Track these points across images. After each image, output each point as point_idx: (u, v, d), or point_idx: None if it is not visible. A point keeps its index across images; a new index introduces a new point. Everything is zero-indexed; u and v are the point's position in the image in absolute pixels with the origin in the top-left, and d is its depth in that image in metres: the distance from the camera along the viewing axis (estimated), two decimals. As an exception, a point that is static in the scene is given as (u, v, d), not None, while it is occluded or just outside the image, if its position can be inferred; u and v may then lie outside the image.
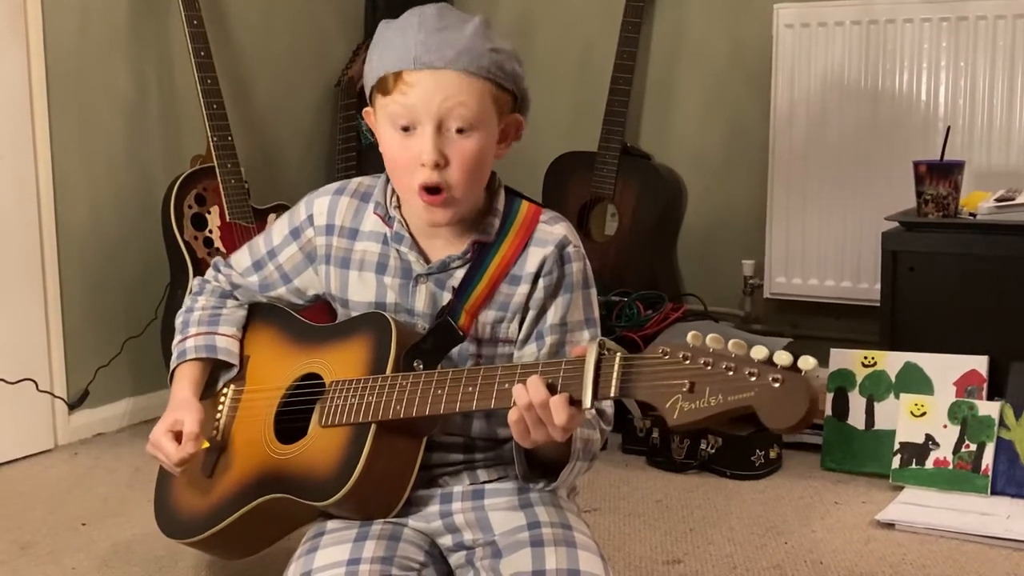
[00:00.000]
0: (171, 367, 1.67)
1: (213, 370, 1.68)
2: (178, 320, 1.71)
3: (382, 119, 1.45)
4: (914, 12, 2.97)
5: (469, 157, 1.42)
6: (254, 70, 3.33)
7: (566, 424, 1.29)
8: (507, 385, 1.33)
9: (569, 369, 1.29)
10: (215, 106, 2.88)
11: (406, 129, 1.42)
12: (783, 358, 1.13)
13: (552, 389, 1.29)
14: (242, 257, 1.68)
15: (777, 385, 1.12)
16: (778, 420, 1.13)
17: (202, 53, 2.88)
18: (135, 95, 3.00)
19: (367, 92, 1.49)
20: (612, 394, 1.24)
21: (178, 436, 1.57)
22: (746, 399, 1.14)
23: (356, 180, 1.59)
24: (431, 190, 1.42)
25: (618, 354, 1.24)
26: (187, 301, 1.72)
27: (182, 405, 1.60)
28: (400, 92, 1.40)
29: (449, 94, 1.39)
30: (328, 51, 3.55)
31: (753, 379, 1.14)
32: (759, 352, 1.15)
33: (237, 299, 1.71)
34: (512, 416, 1.32)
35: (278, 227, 1.63)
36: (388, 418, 1.42)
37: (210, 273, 1.73)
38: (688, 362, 1.18)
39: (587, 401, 1.25)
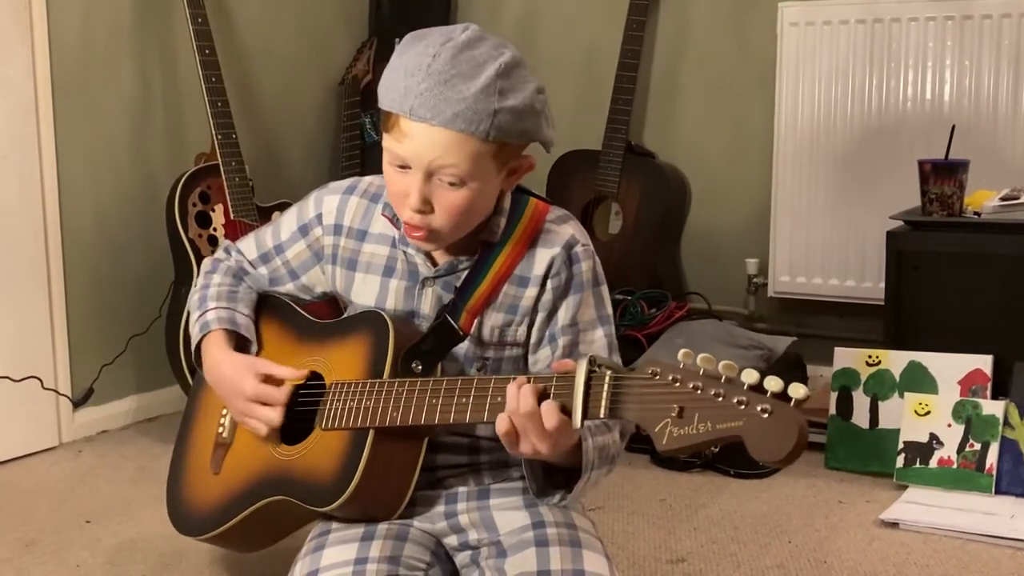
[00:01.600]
0: (194, 343, 1.62)
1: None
2: (193, 298, 1.66)
3: (383, 144, 1.43)
4: (919, 11, 2.97)
5: (455, 208, 1.39)
6: (258, 68, 3.33)
7: (555, 428, 1.27)
8: (500, 399, 1.32)
9: (560, 384, 1.28)
10: (219, 104, 2.88)
11: (401, 167, 1.40)
12: (773, 384, 1.11)
13: (544, 397, 1.28)
14: (249, 247, 1.67)
15: (766, 416, 1.10)
16: (765, 452, 1.11)
17: (206, 51, 2.88)
18: (139, 93, 3.00)
19: (380, 102, 1.44)
20: (602, 415, 1.22)
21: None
22: (734, 428, 1.12)
23: (367, 180, 1.58)
24: (412, 225, 1.42)
25: (608, 373, 1.23)
26: (200, 279, 1.68)
27: (245, 363, 1.55)
28: (395, 139, 1.38)
29: (439, 154, 1.36)
30: (332, 49, 3.55)
31: (742, 407, 1.12)
32: (750, 376, 1.13)
33: (248, 283, 1.69)
34: (500, 425, 1.30)
35: (286, 222, 1.62)
36: (385, 425, 1.42)
37: (221, 253, 1.70)
38: (678, 385, 1.17)
39: (577, 421, 1.24)
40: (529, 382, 1.30)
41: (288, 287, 1.64)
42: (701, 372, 1.16)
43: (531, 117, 1.39)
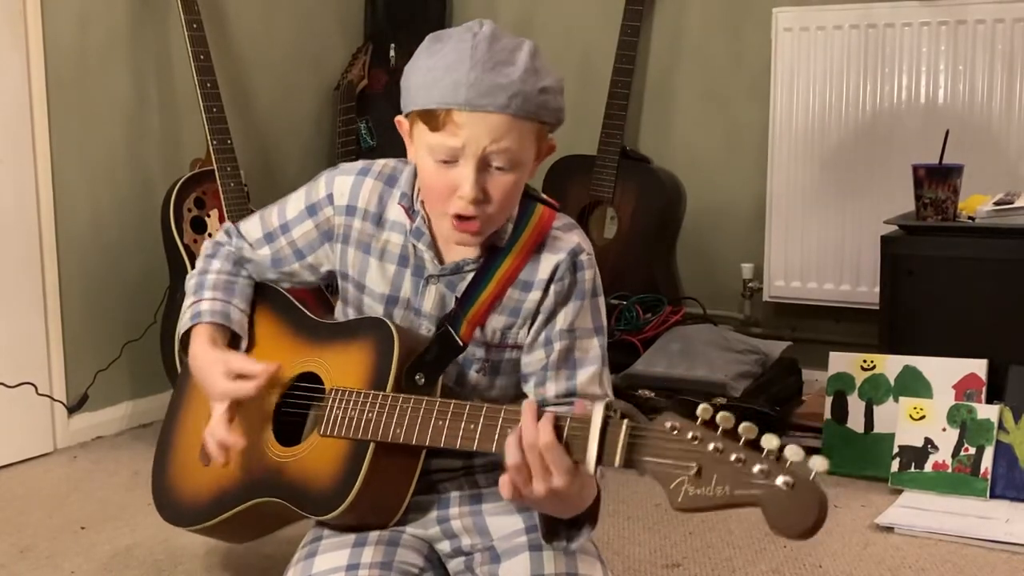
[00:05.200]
0: (183, 327, 1.62)
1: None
2: (190, 281, 1.66)
3: (421, 146, 1.43)
4: (913, 16, 2.98)
5: (507, 192, 1.42)
6: (254, 73, 3.33)
7: (568, 469, 1.24)
8: (509, 430, 1.29)
9: (575, 428, 1.24)
10: (214, 109, 2.88)
11: (447, 161, 1.40)
12: (794, 453, 1.09)
13: (560, 432, 1.25)
14: (253, 227, 1.65)
15: (787, 489, 1.08)
16: (784, 527, 1.09)
17: (202, 57, 2.88)
18: (135, 99, 3.00)
19: (404, 105, 1.44)
20: (616, 464, 1.19)
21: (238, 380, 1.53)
22: (753, 497, 1.10)
23: (382, 161, 1.56)
24: (465, 219, 1.41)
25: (625, 422, 1.20)
26: (200, 263, 1.67)
27: (220, 358, 1.55)
28: (449, 132, 1.38)
29: (496, 137, 1.38)
30: (327, 55, 3.56)
31: (763, 478, 1.10)
32: (770, 442, 1.10)
33: (248, 272, 1.67)
34: (512, 457, 1.25)
35: (293, 201, 1.60)
36: (387, 440, 1.41)
37: (222, 236, 1.68)
38: (697, 443, 1.14)
39: (590, 467, 1.22)
40: (540, 410, 1.27)
41: (293, 267, 1.62)
42: (720, 430, 1.14)
43: (561, 96, 1.44)
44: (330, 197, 1.56)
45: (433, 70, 1.39)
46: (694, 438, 1.15)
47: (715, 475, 1.12)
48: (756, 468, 1.10)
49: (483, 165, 1.39)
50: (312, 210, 1.57)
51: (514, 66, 1.38)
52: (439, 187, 1.41)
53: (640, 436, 1.19)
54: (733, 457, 1.12)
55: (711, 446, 1.13)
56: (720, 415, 1.14)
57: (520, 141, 1.39)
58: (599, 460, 1.21)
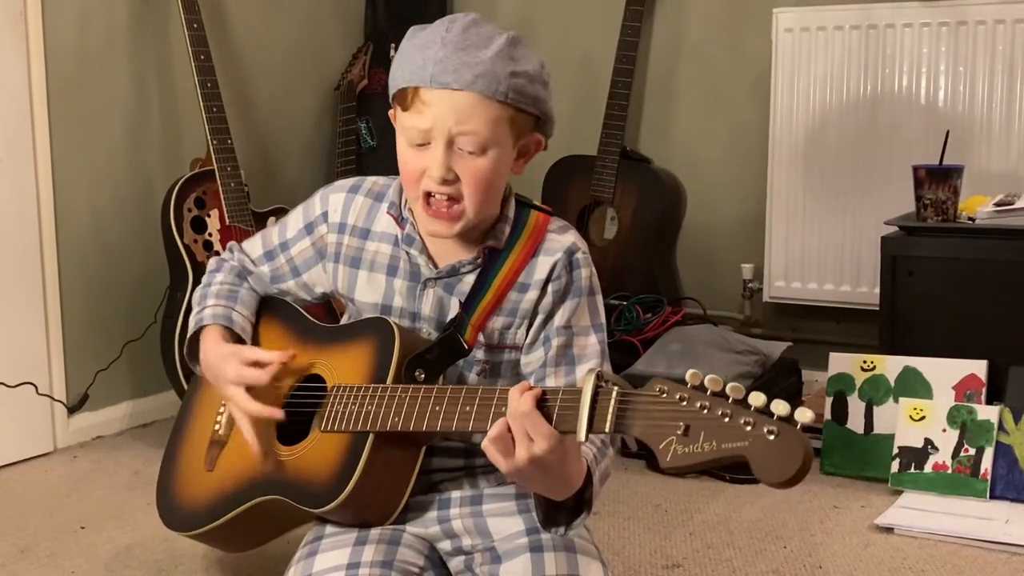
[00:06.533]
0: (188, 336, 1.64)
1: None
2: (196, 295, 1.68)
3: (399, 130, 1.46)
4: (913, 17, 2.98)
5: (480, 174, 1.42)
6: (254, 73, 3.33)
7: (547, 434, 1.26)
8: (504, 409, 1.31)
9: (567, 399, 1.27)
10: (215, 109, 2.88)
11: (420, 145, 1.42)
12: (780, 407, 1.12)
13: (543, 403, 1.28)
14: (255, 245, 1.68)
15: (772, 438, 1.11)
16: (770, 474, 1.11)
17: (202, 56, 2.88)
18: (135, 99, 3.00)
19: (391, 93, 1.48)
20: (607, 429, 1.22)
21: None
22: (740, 448, 1.13)
23: (371, 179, 1.59)
24: (437, 198, 1.42)
25: (615, 389, 1.23)
26: (205, 278, 1.70)
27: (230, 349, 1.56)
28: (416, 111, 1.40)
29: (462, 118, 1.39)
30: (328, 55, 3.56)
31: (748, 428, 1.12)
32: (757, 399, 1.13)
33: (251, 284, 1.69)
34: (494, 429, 1.29)
35: (292, 220, 1.63)
36: (386, 430, 1.42)
37: (226, 253, 1.72)
38: (685, 404, 1.17)
39: (582, 435, 1.24)
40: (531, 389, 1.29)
41: (289, 284, 1.65)
42: (708, 392, 1.16)
43: (541, 86, 1.44)
44: (325, 215, 1.58)
45: (407, 52, 1.42)
46: (681, 399, 1.17)
47: (702, 432, 1.15)
48: (742, 421, 1.13)
49: (451, 145, 1.40)
50: (309, 228, 1.60)
51: (486, 49, 1.39)
52: (410, 170, 1.44)
53: (629, 401, 1.22)
54: (719, 412, 1.14)
55: (698, 404, 1.16)
56: (708, 377, 1.17)
57: (489, 124, 1.40)
58: (590, 427, 1.23)
